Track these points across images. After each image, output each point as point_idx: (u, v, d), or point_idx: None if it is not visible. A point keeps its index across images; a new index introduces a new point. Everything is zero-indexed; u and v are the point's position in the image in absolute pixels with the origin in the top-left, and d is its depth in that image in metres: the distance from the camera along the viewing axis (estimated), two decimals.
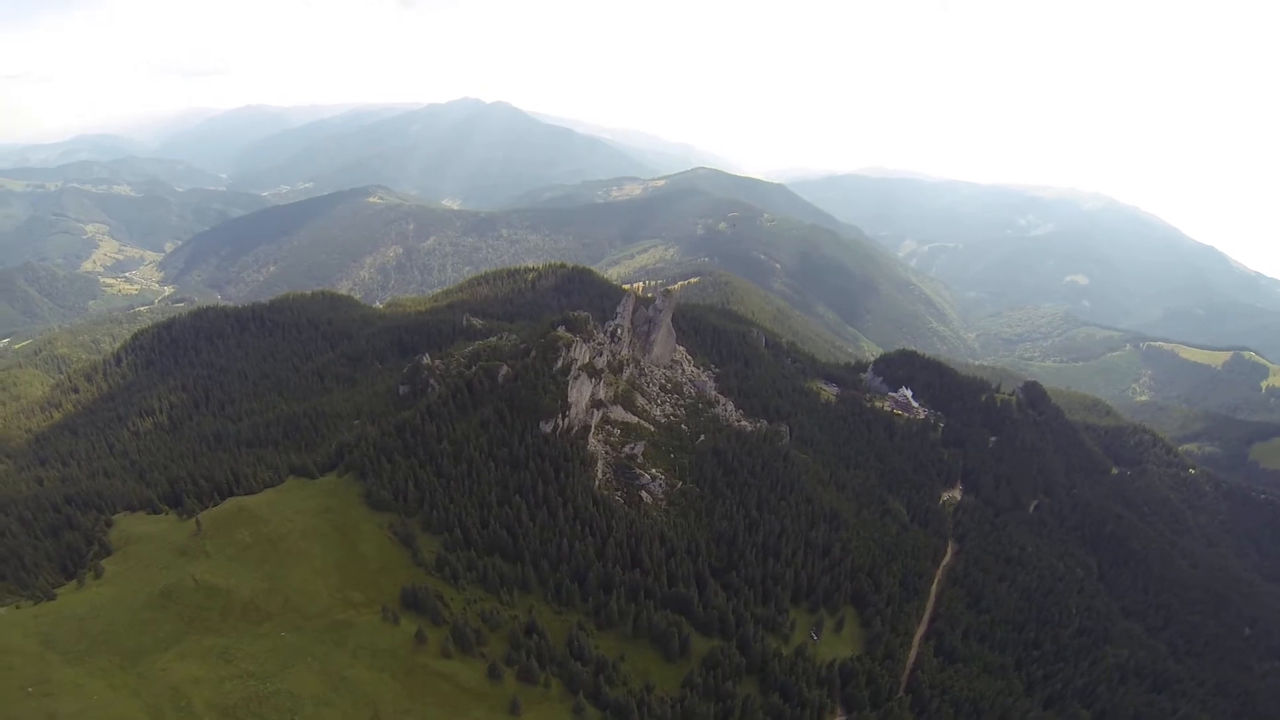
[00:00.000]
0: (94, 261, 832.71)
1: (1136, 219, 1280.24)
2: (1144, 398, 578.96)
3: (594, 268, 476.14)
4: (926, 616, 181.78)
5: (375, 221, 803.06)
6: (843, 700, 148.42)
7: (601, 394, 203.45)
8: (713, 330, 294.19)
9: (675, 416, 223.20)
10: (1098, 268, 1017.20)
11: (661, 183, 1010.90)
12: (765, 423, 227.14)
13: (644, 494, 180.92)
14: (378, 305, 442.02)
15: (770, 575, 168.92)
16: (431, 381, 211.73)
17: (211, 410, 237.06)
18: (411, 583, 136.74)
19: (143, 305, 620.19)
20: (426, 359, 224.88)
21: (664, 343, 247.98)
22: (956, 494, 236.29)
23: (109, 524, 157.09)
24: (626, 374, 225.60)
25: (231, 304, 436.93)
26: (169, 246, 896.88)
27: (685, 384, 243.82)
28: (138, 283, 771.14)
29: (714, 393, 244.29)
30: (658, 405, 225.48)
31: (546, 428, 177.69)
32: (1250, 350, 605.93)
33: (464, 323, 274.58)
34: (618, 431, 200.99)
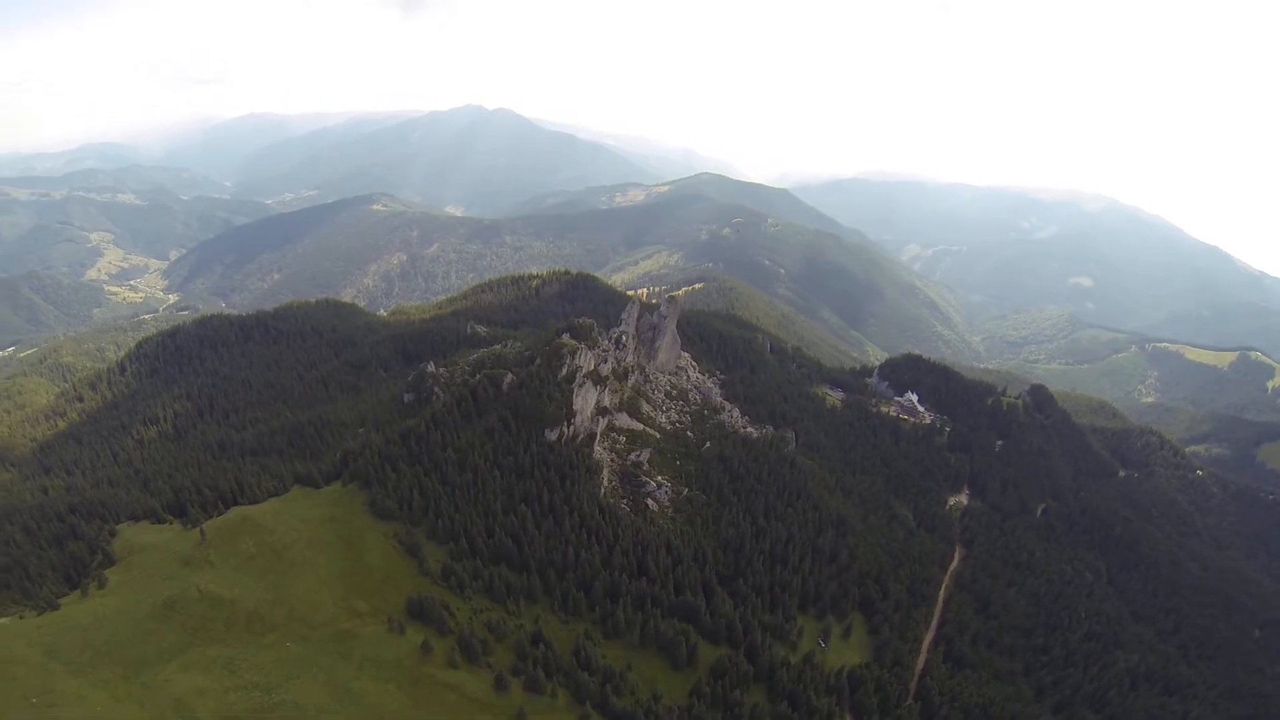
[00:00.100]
0: (99, 270, 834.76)
1: (1139, 219, 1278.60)
2: (1150, 399, 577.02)
3: (598, 274, 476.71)
4: (934, 623, 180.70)
5: (379, 229, 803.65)
6: (851, 708, 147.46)
7: (607, 401, 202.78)
8: (718, 336, 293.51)
9: (681, 423, 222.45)
10: (1101, 269, 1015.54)
11: (665, 188, 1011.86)
12: (771, 429, 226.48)
13: (650, 501, 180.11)
14: (382, 313, 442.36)
15: (778, 582, 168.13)
16: (436, 389, 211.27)
17: (216, 419, 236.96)
18: (417, 592, 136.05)
19: (147, 313, 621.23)
20: (431, 367, 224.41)
21: (669, 349, 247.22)
22: (963, 499, 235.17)
23: (113, 533, 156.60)
24: (632, 381, 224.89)
25: (236, 312, 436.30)
26: (174, 254, 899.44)
27: (691, 391, 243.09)
28: (142, 291, 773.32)
29: (719, 399, 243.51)
30: (663, 412, 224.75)
31: (552, 435, 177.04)
32: (1256, 350, 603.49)
33: (468, 330, 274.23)
34: (623, 439, 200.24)
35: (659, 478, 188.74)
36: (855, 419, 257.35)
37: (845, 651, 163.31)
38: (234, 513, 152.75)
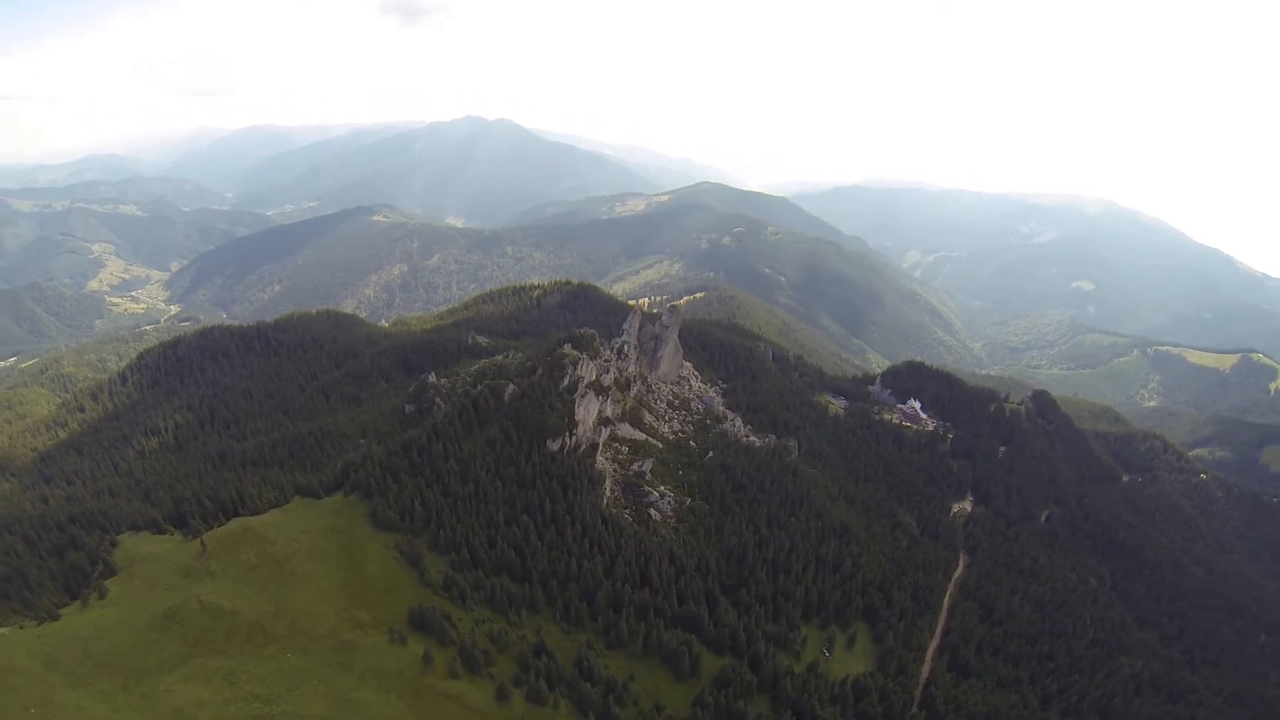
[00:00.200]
0: (100, 281, 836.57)
1: (1139, 223, 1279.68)
2: (1152, 403, 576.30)
3: (599, 284, 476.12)
4: (939, 631, 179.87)
5: (380, 240, 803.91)
6: (856, 717, 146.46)
7: (609, 411, 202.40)
8: (720, 345, 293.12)
9: (683, 433, 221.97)
10: (1102, 273, 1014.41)
11: (665, 198, 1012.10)
12: (774, 438, 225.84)
13: (653, 511, 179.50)
14: (383, 324, 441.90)
15: (781, 592, 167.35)
16: (437, 400, 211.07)
17: (217, 430, 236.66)
18: (419, 603, 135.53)
19: (149, 324, 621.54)
20: (432, 378, 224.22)
21: (671, 359, 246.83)
22: (967, 506, 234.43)
23: (113, 544, 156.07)
24: (634, 391, 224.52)
25: (237, 323, 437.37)
26: (175, 266, 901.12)
27: (693, 400, 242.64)
28: (144, 302, 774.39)
29: (722, 408, 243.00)
30: (665, 422, 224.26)
31: (554, 446, 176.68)
32: (1258, 352, 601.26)
33: (469, 341, 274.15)
34: (625, 449, 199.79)
35: (661, 487, 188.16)
36: (858, 427, 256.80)
37: (849, 661, 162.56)
38: (235, 524, 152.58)
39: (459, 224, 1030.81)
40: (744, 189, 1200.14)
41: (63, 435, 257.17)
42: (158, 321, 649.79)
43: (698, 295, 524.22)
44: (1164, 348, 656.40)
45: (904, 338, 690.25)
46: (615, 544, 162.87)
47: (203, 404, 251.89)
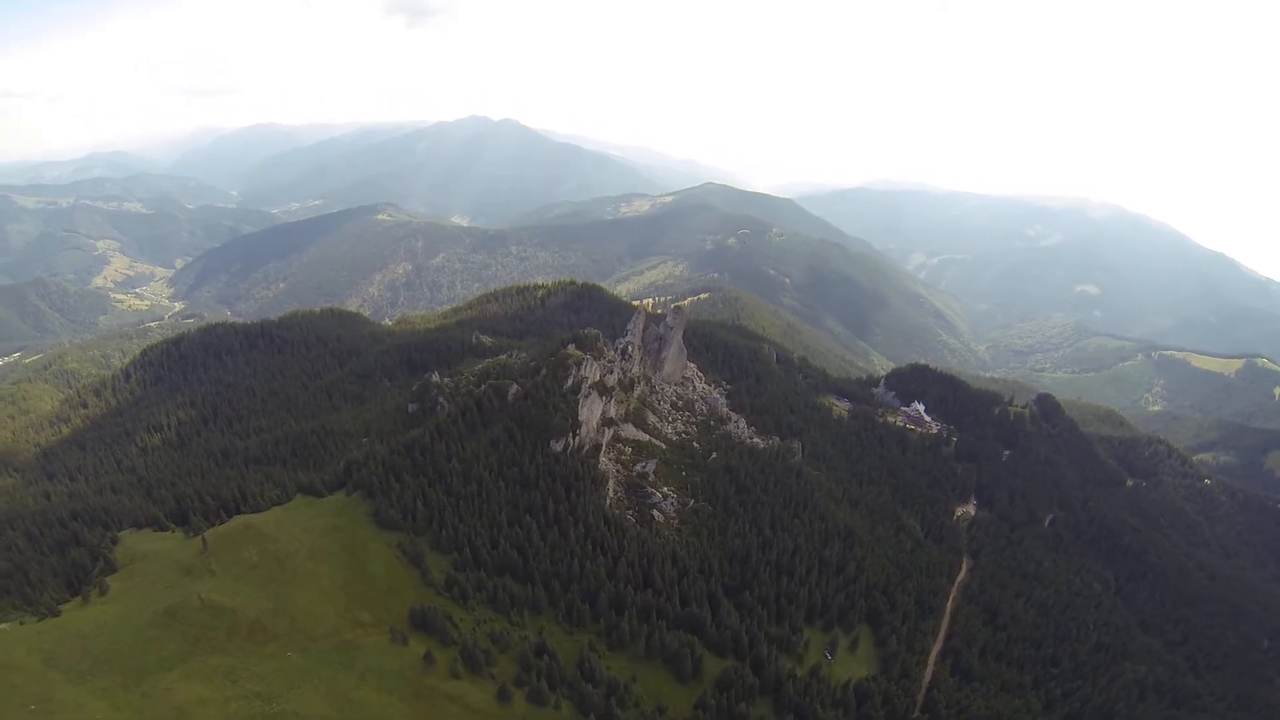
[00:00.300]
0: (105, 277, 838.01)
1: (1144, 227, 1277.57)
2: (1157, 407, 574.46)
3: (603, 284, 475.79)
4: (942, 634, 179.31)
5: (384, 239, 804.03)
6: None
7: (612, 412, 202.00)
8: (724, 346, 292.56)
9: (687, 434, 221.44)
10: (1107, 277, 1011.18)
11: (670, 199, 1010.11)
12: (778, 439, 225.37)
13: (656, 513, 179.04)
14: (387, 322, 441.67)
15: (784, 594, 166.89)
16: (441, 400, 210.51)
17: (219, 427, 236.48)
18: (420, 603, 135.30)
19: (153, 321, 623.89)
20: (436, 377, 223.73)
21: (675, 360, 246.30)
22: (971, 509, 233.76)
23: (115, 541, 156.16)
24: (638, 392, 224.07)
25: (241, 320, 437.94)
26: (179, 263, 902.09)
27: (697, 401, 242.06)
28: (148, 299, 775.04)
29: (726, 410, 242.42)
30: (669, 423, 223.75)
31: (557, 446, 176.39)
32: (1263, 357, 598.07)
33: (473, 340, 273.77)
34: (629, 450, 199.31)
35: (665, 489, 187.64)
36: (862, 429, 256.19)
37: (852, 664, 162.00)
38: (236, 521, 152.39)
39: (464, 223, 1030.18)
40: (748, 190, 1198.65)
41: (66, 431, 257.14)
42: (162, 318, 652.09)
43: (702, 296, 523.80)
44: (1169, 352, 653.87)
45: (908, 340, 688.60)
46: (618, 545, 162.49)
47: (206, 401, 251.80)
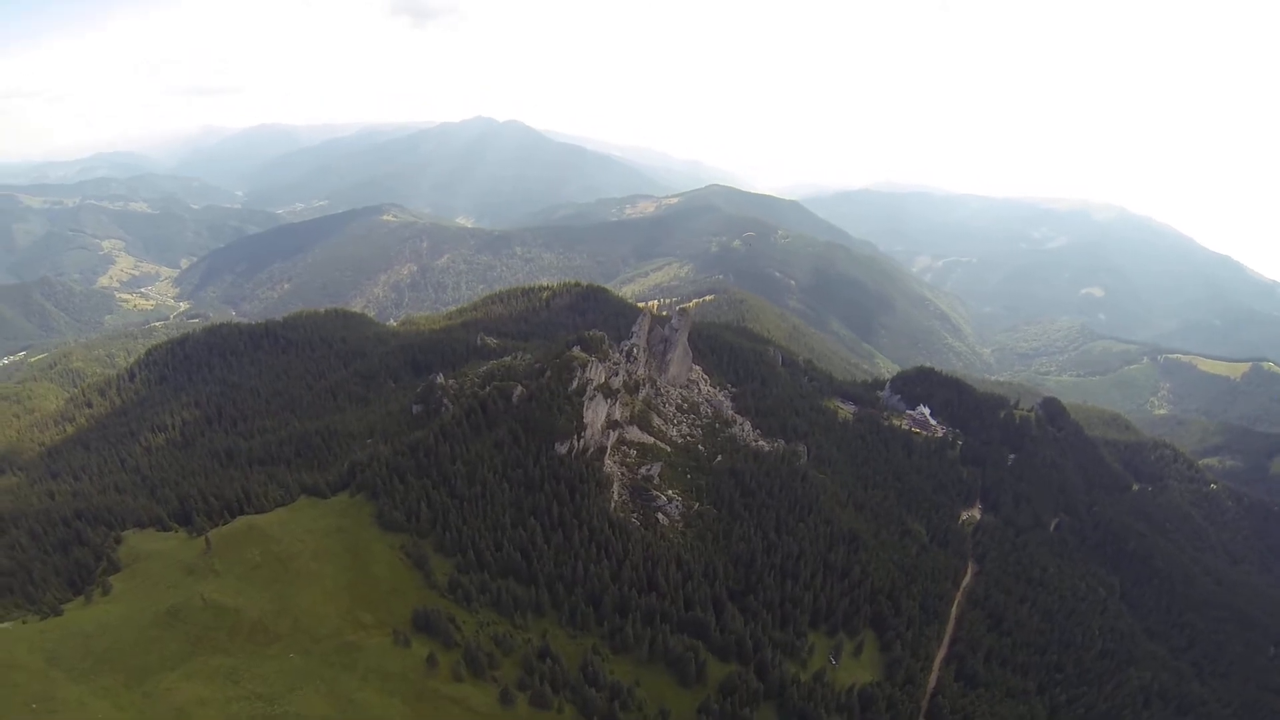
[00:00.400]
0: (110, 277, 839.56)
1: (1150, 229, 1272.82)
2: (1162, 411, 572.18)
3: (608, 286, 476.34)
4: (947, 640, 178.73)
5: (389, 239, 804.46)
6: None
7: (617, 414, 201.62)
8: (729, 349, 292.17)
9: (692, 437, 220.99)
10: (1112, 279, 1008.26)
11: (675, 200, 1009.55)
12: (783, 442, 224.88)
13: (660, 516, 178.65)
14: (391, 323, 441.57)
15: (788, 598, 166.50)
16: (445, 401, 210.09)
17: (224, 427, 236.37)
18: (423, 605, 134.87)
19: (158, 321, 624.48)
20: (440, 378, 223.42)
21: (680, 362, 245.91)
22: (976, 513, 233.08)
23: (118, 540, 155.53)
24: (643, 394, 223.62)
25: (245, 321, 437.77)
26: (184, 263, 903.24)
27: (702, 404, 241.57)
28: (153, 298, 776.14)
29: (731, 412, 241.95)
30: (674, 426, 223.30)
31: (561, 449, 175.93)
32: (1269, 361, 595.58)
33: (478, 342, 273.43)
34: (634, 452, 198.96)
35: (669, 491, 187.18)
36: (867, 433, 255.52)
37: (856, 669, 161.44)
38: (240, 522, 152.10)
39: (468, 224, 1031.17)
40: (754, 192, 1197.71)
41: (70, 430, 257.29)
42: (167, 318, 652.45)
43: (707, 298, 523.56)
44: (1174, 355, 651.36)
45: (914, 342, 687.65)
46: (622, 548, 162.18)
47: (210, 401, 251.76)
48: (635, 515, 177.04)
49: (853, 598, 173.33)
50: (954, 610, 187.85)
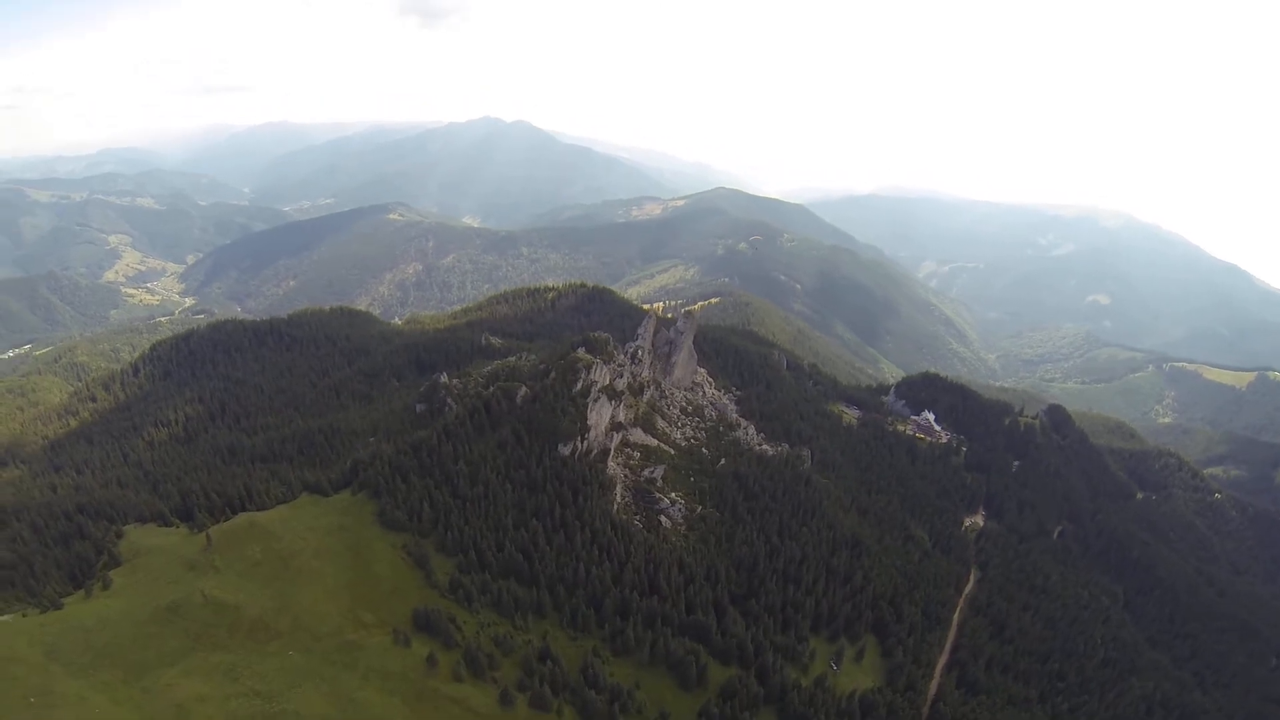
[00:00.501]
0: (116, 272, 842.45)
1: (1157, 237, 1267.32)
2: (1167, 420, 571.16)
3: (614, 287, 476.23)
4: (949, 646, 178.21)
5: (395, 238, 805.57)
6: None
7: (621, 416, 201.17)
8: (734, 352, 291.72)
9: (696, 440, 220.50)
10: (1119, 287, 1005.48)
11: (681, 202, 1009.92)
12: (787, 446, 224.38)
13: (663, 518, 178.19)
14: (396, 322, 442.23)
15: (790, 603, 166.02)
16: (449, 401, 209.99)
17: (227, 423, 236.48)
18: (424, 605, 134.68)
19: (163, 316, 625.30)
20: (444, 378, 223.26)
21: (685, 365, 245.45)
22: (979, 520, 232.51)
23: (119, 535, 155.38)
24: (647, 396, 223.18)
25: (250, 317, 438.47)
26: (191, 259, 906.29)
27: (706, 407, 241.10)
28: (159, 294, 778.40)
29: (735, 416, 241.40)
30: (678, 428, 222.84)
31: (565, 450, 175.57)
32: (1275, 371, 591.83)
33: (483, 342, 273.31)
34: (637, 454, 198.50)
35: (673, 494, 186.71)
36: (871, 437, 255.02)
37: (857, 675, 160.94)
38: (241, 518, 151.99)
39: (474, 224, 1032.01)
40: (760, 195, 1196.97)
41: (73, 424, 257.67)
42: (172, 313, 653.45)
43: (713, 301, 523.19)
44: (1180, 364, 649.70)
45: (918, 347, 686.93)
46: (624, 550, 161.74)
47: (214, 397, 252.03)
48: (638, 518, 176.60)
49: (855, 603, 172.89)
50: (956, 617, 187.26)
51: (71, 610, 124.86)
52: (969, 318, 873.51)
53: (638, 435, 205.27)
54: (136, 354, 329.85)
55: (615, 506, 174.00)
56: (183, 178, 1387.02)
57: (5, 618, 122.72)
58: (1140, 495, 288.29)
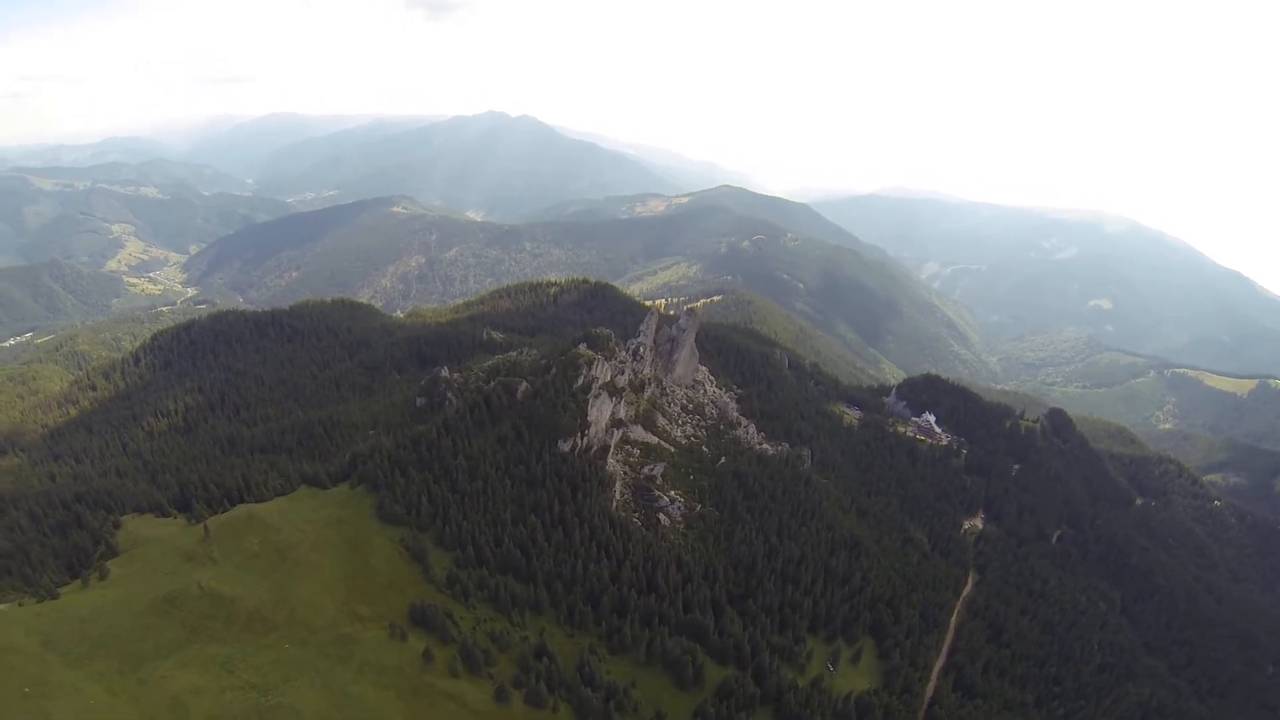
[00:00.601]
0: (119, 261, 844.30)
1: (1161, 242, 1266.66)
2: (1167, 425, 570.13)
3: (616, 283, 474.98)
4: (945, 649, 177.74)
5: (398, 231, 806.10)
6: None
7: (622, 413, 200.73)
8: (736, 350, 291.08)
9: (696, 438, 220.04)
10: (1122, 292, 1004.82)
11: (685, 199, 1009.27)
12: (787, 446, 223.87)
13: (662, 516, 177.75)
14: (398, 314, 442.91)
15: (788, 603, 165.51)
16: (449, 395, 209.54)
17: (226, 414, 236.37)
18: (421, 599, 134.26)
19: (165, 305, 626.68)
20: (445, 371, 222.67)
21: (686, 362, 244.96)
22: (978, 523, 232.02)
23: (117, 525, 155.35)
24: (648, 393, 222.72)
25: (252, 308, 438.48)
26: (193, 249, 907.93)
27: (707, 405, 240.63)
28: (161, 283, 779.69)
29: (736, 414, 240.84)
30: (679, 426, 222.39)
31: (565, 446, 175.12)
32: (1277, 378, 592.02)
33: (484, 336, 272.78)
34: (637, 452, 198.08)
35: (672, 492, 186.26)
36: (872, 438, 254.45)
37: (854, 676, 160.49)
38: (240, 510, 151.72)
39: (478, 218, 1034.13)
40: (764, 194, 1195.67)
41: (73, 413, 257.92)
42: (174, 303, 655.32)
43: (715, 298, 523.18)
44: (1181, 370, 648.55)
45: (920, 349, 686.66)
46: (623, 548, 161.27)
47: (214, 387, 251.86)
48: (637, 515, 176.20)
49: (853, 604, 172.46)
50: (954, 620, 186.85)
51: (68, 600, 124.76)
52: (971, 320, 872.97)
53: (638, 432, 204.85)
54: (137, 343, 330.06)
55: (614, 504, 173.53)
56: (186, 168, 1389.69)
57: (2, 607, 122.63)
58: (1140, 501, 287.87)
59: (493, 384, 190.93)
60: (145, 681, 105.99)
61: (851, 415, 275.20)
